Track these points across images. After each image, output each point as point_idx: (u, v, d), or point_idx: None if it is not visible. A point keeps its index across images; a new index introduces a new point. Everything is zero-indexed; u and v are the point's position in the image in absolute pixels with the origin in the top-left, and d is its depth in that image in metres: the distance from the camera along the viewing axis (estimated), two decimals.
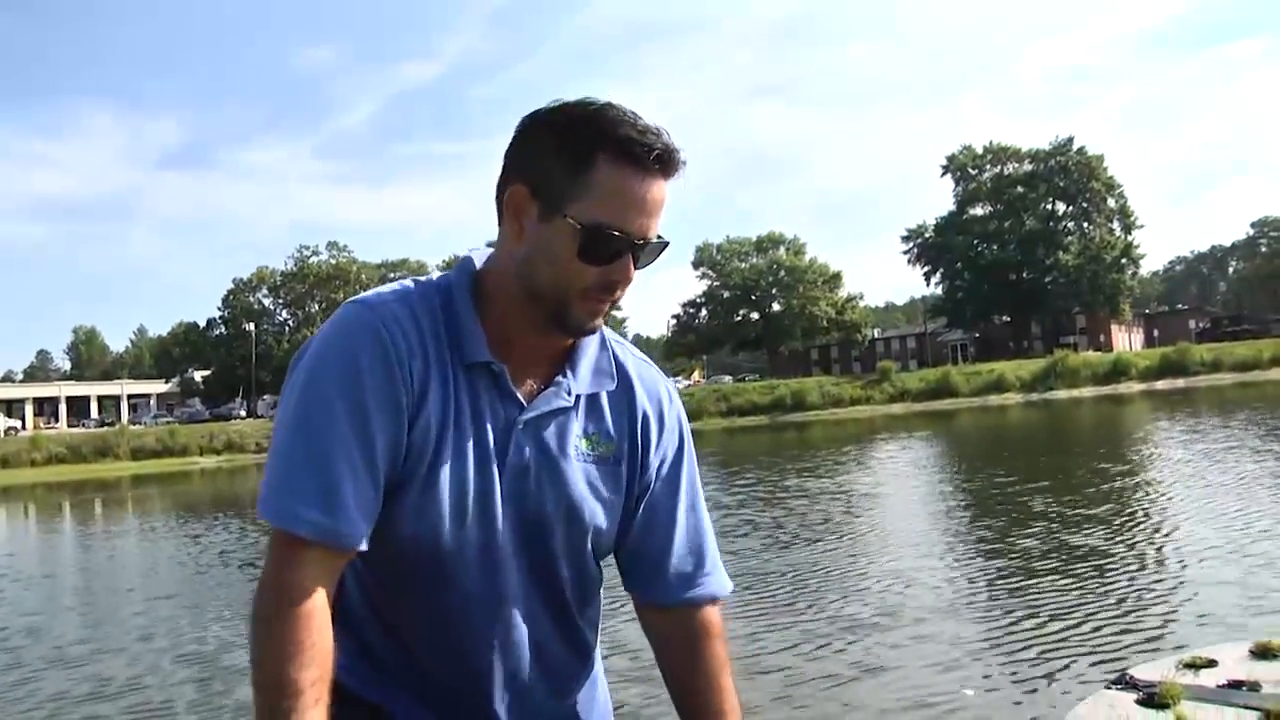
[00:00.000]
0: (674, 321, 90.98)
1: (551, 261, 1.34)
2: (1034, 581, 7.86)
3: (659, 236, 1.38)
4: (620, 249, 1.33)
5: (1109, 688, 4.28)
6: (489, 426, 1.40)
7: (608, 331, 1.53)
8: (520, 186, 1.36)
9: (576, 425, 1.47)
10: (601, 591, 1.59)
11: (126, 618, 9.52)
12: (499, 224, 1.40)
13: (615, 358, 1.53)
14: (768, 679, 5.82)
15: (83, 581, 13.11)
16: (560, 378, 1.45)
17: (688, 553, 1.55)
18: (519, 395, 1.42)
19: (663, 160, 1.32)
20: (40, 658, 7.95)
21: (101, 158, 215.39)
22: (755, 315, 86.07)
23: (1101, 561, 8.39)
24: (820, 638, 6.63)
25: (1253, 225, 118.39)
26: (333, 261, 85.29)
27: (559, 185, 1.32)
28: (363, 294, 1.42)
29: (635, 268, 1.37)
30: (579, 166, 1.31)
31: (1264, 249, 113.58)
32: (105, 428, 63.88)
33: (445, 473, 1.37)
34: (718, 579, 1.58)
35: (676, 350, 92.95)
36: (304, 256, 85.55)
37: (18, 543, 20.24)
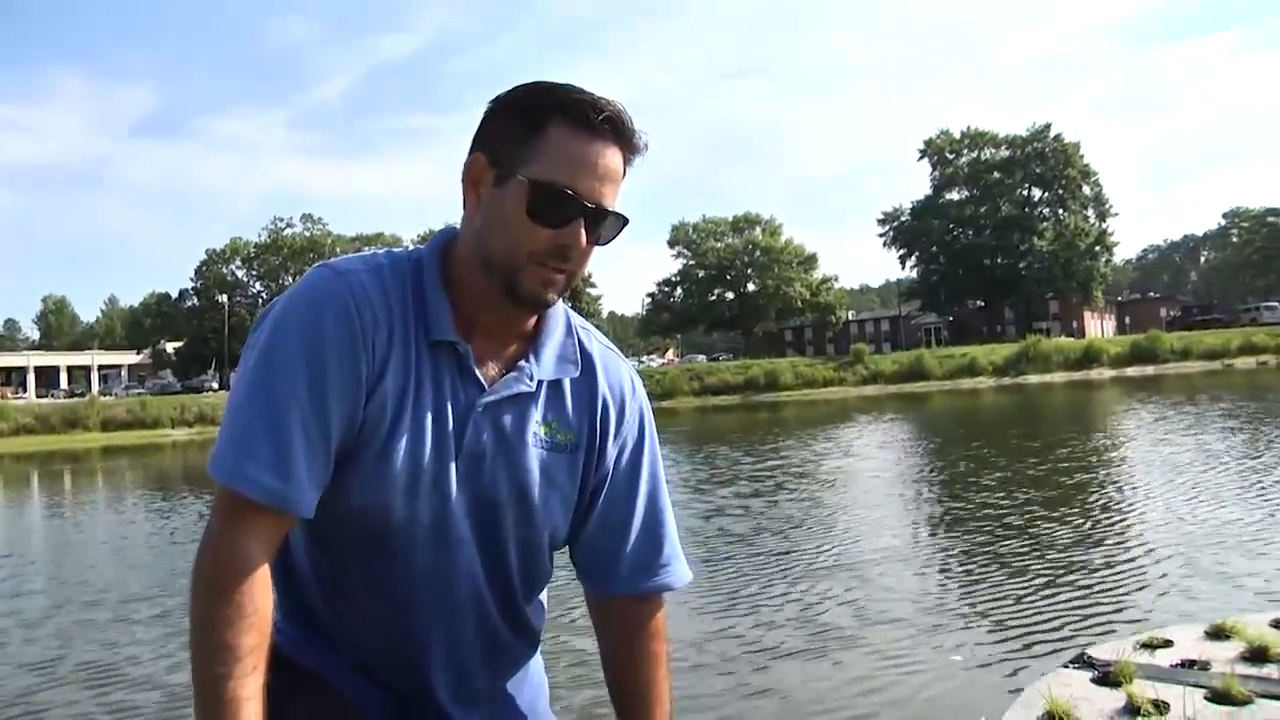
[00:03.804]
0: (649, 300, 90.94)
1: (503, 224, 1.34)
2: (998, 561, 7.94)
3: (619, 214, 1.38)
4: (571, 211, 1.33)
5: (1066, 666, 4.35)
6: (448, 407, 1.40)
7: (575, 318, 1.54)
8: (479, 155, 1.38)
9: (537, 412, 1.46)
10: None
11: (93, 590, 9.47)
12: (463, 200, 1.42)
13: (581, 344, 1.52)
14: (729, 653, 5.87)
15: (50, 554, 13.02)
16: (524, 362, 1.45)
17: (644, 543, 1.56)
18: (481, 377, 1.42)
19: (613, 125, 1.33)
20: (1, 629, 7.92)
21: (72, 124, 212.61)
22: (730, 295, 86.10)
23: (1067, 543, 8.49)
24: (778, 614, 6.68)
25: (1224, 215, 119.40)
26: (307, 234, 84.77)
27: (512, 150, 1.34)
28: (333, 259, 1.42)
29: (590, 238, 1.36)
30: (532, 131, 1.33)
31: (1235, 239, 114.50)
32: (75, 398, 63.23)
33: (400, 449, 1.37)
34: (675, 569, 1.59)
35: (651, 329, 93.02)
36: (278, 229, 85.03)
37: None
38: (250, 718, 1.20)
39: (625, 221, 1.41)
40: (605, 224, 1.38)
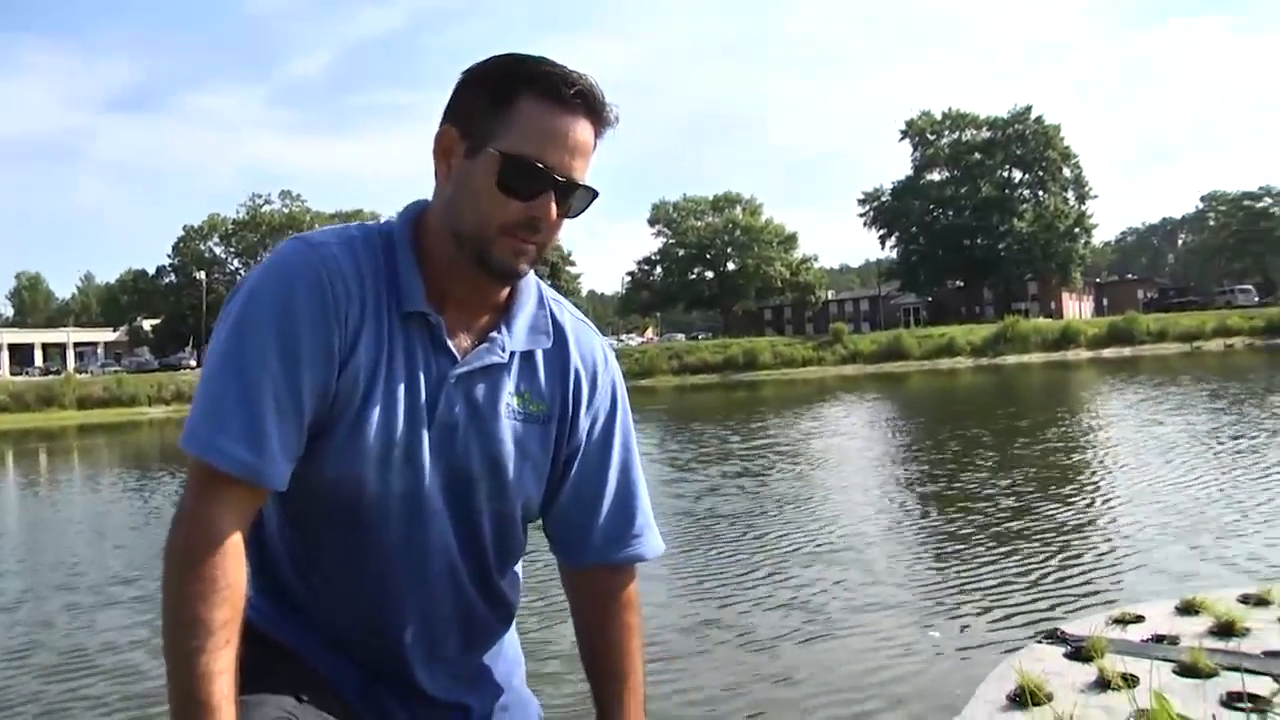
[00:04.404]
0: (628, 278, 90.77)
1: (474, 196, 1.35)
2: (977, 540, 8.00)
3: (589, 187, 1.39)
4: (541, 184, 1.33)
5: (1039, 642, 4.40)
6: (421, 378, 1.40)
7: (547, 290, 1.55)
8: (449, 127, 1.38)
9: (509, 383, 1.47)
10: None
11: (70, 568, 9.43)
12: (435, 172, 1.41)
13: (553, 316, 1.53)
14: (710, 633, 5.91)
15: (27, 533, 12.95)
16: (496, 334, 1.45)
17: (617, 514, 1.57)
18: (453, 348, 1.42)
19: (584, 98, 1.33)
20: None
21: (46, 98, 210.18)
22: (710, 274, 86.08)
23: (1043, 520, 8.56)
24: (759, 592, 6.72)
25: (1202, 199, 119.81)
26: (286, 211, 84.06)
27: (483, 123, 1.34)
28: (307, 232, 1.42)
29: (561, 211, 1.37)
30: (502, 103, 1.33)
31: (1212, 223, 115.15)
32: (50, 376, 62.75)
33: (373, 420, 1.37)
34: (648, 540, 1.60)
35: (630, 307, 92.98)
36: (256, 205, 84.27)
37: None
38: (223, 692, 1.19)
39: (595, 194, 1.41)
40: (575, 197, 1.38)
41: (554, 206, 1.35)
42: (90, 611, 7.32)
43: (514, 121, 1.33)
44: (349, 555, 1.44)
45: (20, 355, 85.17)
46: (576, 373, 1.53)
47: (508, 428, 1.46)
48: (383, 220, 1.49)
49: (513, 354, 1.47)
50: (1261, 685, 3.37)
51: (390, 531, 1.42)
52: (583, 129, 1.35)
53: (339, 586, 1.46)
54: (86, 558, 9.81)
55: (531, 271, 1.48)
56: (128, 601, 7.55)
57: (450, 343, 1.42)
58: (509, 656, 1.66)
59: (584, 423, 1.54)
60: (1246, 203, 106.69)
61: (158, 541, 1.17)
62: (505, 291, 1.48)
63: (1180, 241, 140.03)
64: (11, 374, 72.71)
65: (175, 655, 1.21)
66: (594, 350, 1.57)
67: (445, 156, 1.39)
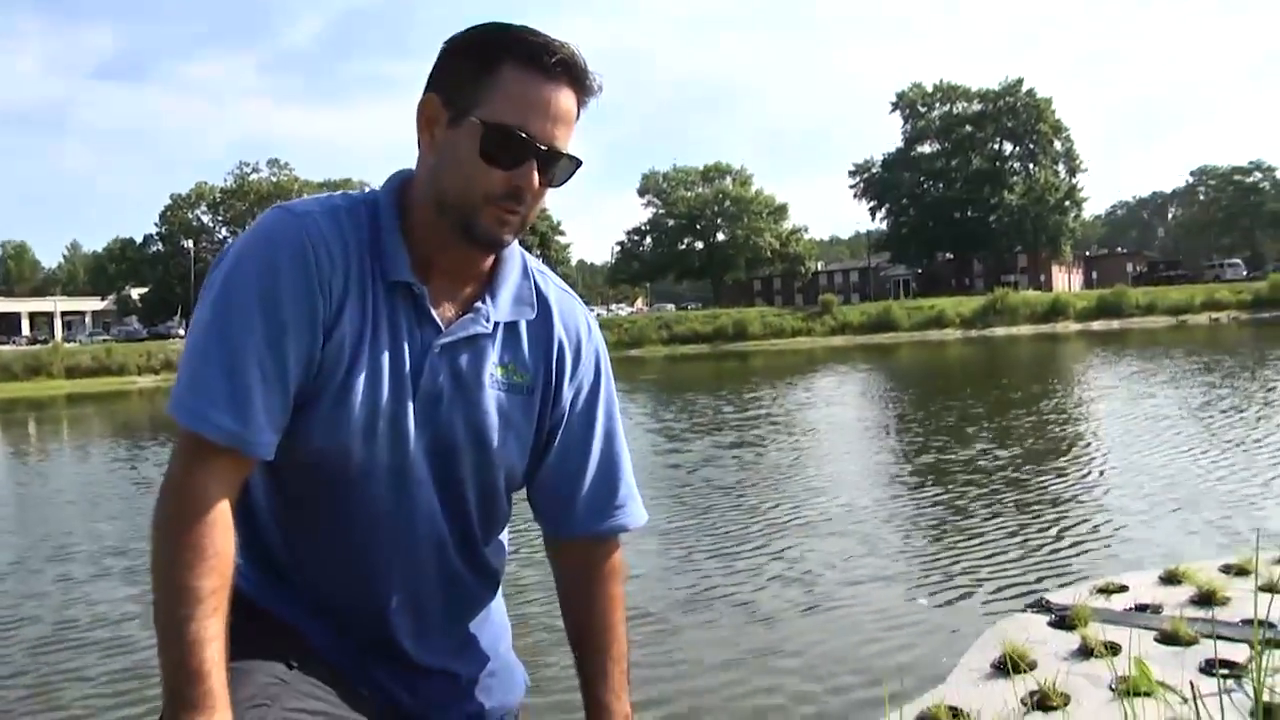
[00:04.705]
0: (618, 248, 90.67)
1: (457, 165, 1.35)
2: (965, 508, 8.06)
3: (572, 156, 1.38)
4: (523, 153, 1.33)
5: (1025, 611, 4.46)
6: (405, 348, 1.40)
7: (532, 260, 1.54)
8: (432, 96, 1.37)
9: (493, 353, 1.47)
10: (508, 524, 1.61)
11: (61, 539, 9.43)
12: (418, 141, 1.41)
13: (537, 287, 1.52)
14: (693, 595, 5.96)
15: (17, 503, 12.95)
16: (480, 304, 1.45)
17: (601, 484, 1.57)
18: (437, 319, 1.42)
19: (566, 67, 1.33)
20: None
21: (31, 66, 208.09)
22: (700, 244, 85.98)
23: (1031, 491, 8.63)
24: (752, 562, 6.77)
25: (1192, 174, 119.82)
26: (274, 179, 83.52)
27: (466, 91, 1.34)
28: (291, 201, 1.41)
29: (544, 180, 1.37)
30: (485, 72, 1.32)
31: (1202, 197, 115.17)
32: (38, 345, 62.45)
33: (357, 390, 1.37)
34: (631, 510, 1.60)
35: (620, 277, 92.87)
36: (244, 174, 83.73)
37: None
38: (213, 659, 1.20)
39: (579, 164, 1.41)
40: (558, 166, 1.38)
41: (536, 175, 1.35)
42: (82, 583, 7.33)
43: (496, 90, 1.32)
44: (335, 524, 1.44)
45: (7, 324, 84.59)
46: (560, 343, 1.53)
47: (491, 398, 1.46)
48: (368, 189, 1.48)
49: (497, 324, 1.47)
50: (1239, 652, 3.41)
51: (376, 501, 1.42)
52: (565, 97, 1.35)
53: (326, 555, 1.47)
54: (78, 529, 9.79)
55: (516, 242, 1.48)
56: (119, 572, 7.56)
57: (434, 313, 1.41)
58: (495, 623, 1.67)
59: (567, 393, 1.54)
60: (1236, 178, 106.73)
61: (148, 511, 1.17)
62: (489, 262, 1.47)
63: (1170, 216, 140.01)
64: None
65: (165, 624, 1.22)
66: (577, 321, 1.57)
67: (428, 126, 1.38)
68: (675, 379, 32.31)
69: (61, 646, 5.75)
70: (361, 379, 1.37)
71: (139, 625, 5.92)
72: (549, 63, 1.32)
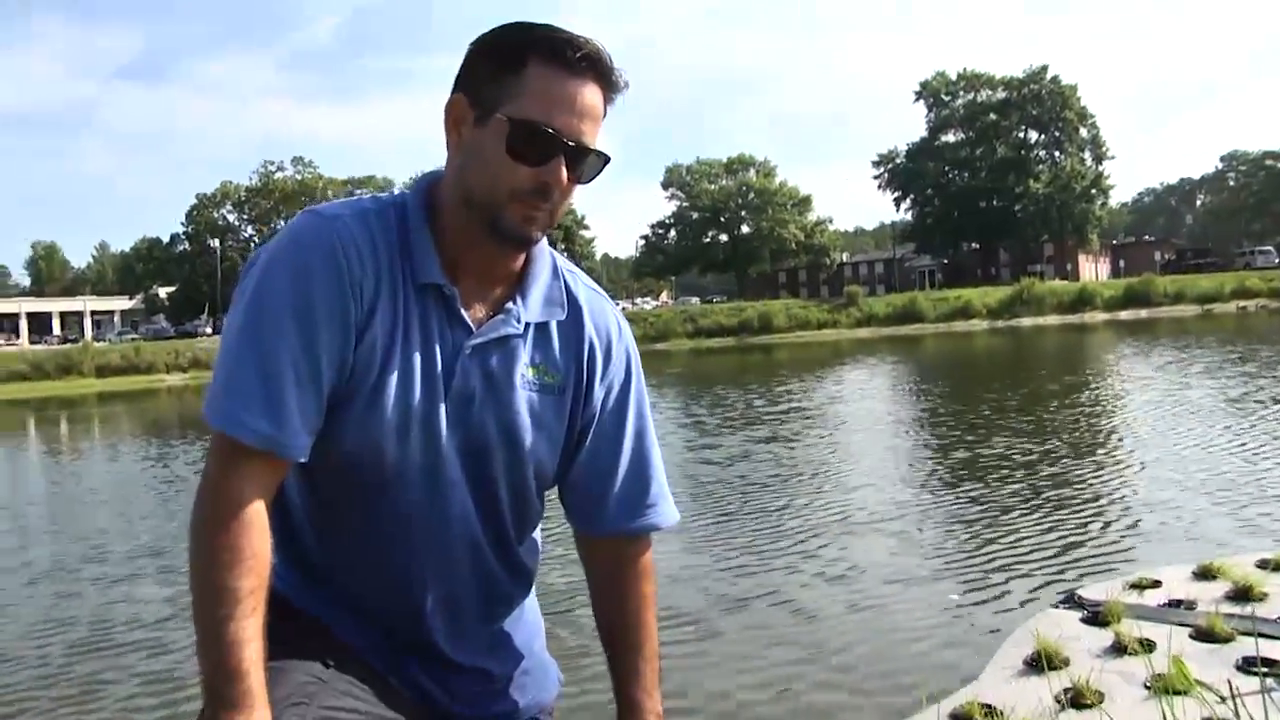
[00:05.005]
0: (642, 242, 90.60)
1: (484, 163, 1.35)
2: (995, 502, 8.02)
3: (600, 152, 1.39)
4: (550, 148, 1.33)
5: (1057, 607, 4.41)
6: (436, 349, 1.41)
7: (561, 261, 1.55)
8: (459, 95, 1.38)
9: (524, 354, 1.47)
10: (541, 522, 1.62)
11: (96, 538, 9.53)
12: (446, 142, 1.42)
13: (567, 287, 1.53)
14: (726, 593, 5.96)
15: (52, 502, 13.09)
16: (510, 305, 1.46)
17: (632, 483, 1.57)
18: (468, 320, 1.42)
19: (591, 62, 1.34)
20: (14, 577, 7.99)
21: (54, 69, 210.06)
22: (724, 237, 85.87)
23: (1062, 484, 8.57)
24: (779, 556, 6.76)
25: (1221, 159, 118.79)
26: (298, 177, 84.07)
27: (492, 90, 1.34)
28: (321, 205, 1.42)
29: (571, 176, 1.37)
30: (510, 71, 1.33)
31: (1232, 183, 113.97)
32: (69, 344, 63.12)
33: (390, 391, 1.38)
34: (663, 509, 1.60)
35: (645, 271, 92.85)
36: (269, 172, 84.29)
37: None
38: (252, 658, 1.21)
39: (607, 159, 1.41)
40: (586, 162, 1.38)
41: (564, 171, 1.35)
42: (118, 583, 7.40)
43: (522, 87, 1.33)
44: (369, 525, 1.45)
45: (38, 324, 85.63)
46: (591, 344, 1.53)
47: (523, 398, 1.47)
48: (395, 188, 1.48)
49: (528, 325, 1.47)
50: (1278, 649, 3.37)
51: (409, 501, 1.43)
52: (591, 93, 1.35)
53: (361, 556, 1.48)
54: (113, 528, 9.89)
55: (545, 242, 1.49)
56: (154, 572, 7.62)
57: (465, 314, 1.42)
58: (529, 622, 1.67)
59: (598, 393, 1.54)
60: (1269, 162, 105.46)
61: (182, 510, 1.18)
62: (519, 262, 1.48)
63: (1199, 202, 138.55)
64: (30, 343, 73.13)
65: (204, 624, 1.23)
66: (608, 321, 1.57)
67: (456, 126, 1.39)
68: (701, 373, 32.29)
69: (99, 647, 5.80)
70: (394, 380, 1.38)
71: (175, 626, 5.95)
72: (574, 58, 1.33)
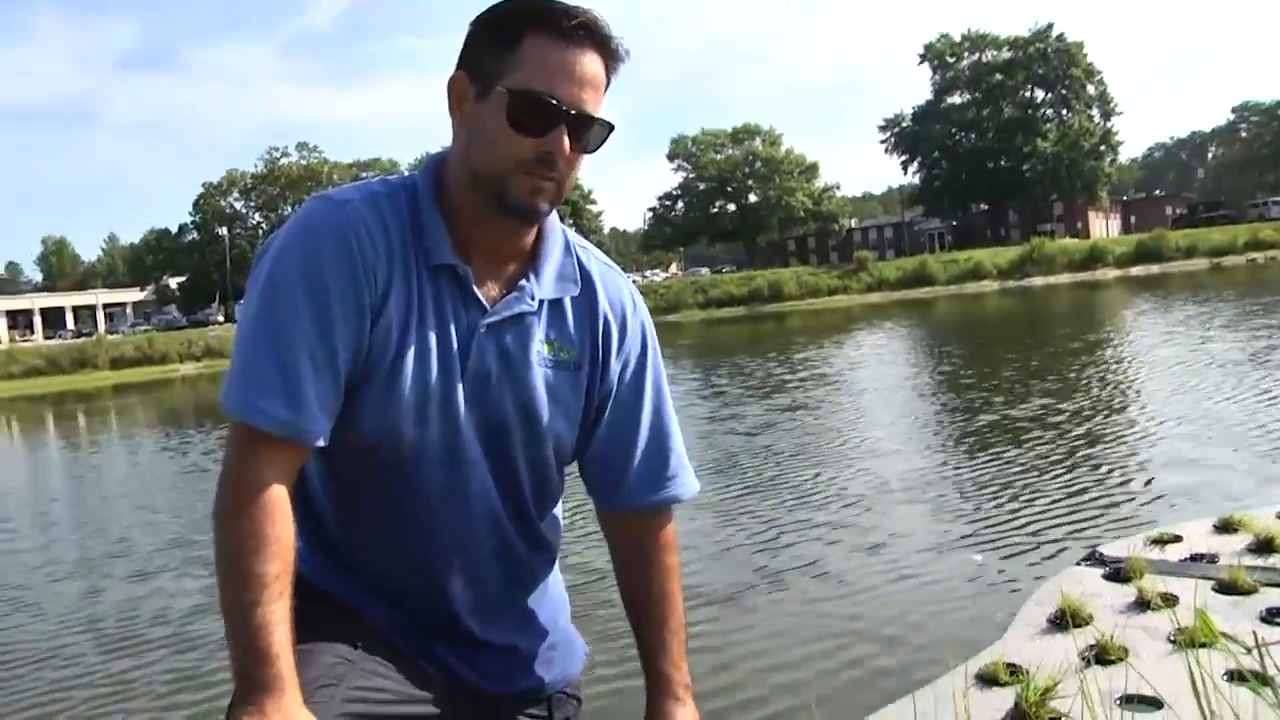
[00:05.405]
0: (650, 214, 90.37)
1: (486, 138, 1.35)
2: (1014, 462, 8.02)
3: (603, 120, 1.38)
4: (551, 117, 1.33)
5: (1079, 564, 4.42)
6: (452, 329, 1.41)
7: (573, 236, 1.54)
8: (460, 73, 1.39)
9: (539, 331, 1.47)
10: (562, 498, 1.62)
11: (119, 531, 9.60)
12: (451, 123, 1.42)
13: (580, 263, 1.52)
14: (746, 557, 5.99)
15: (74, 496, 13.18)
16: (524, 282, 1.45)
17: (651, 457, 1.57)
18: (482, 298, 1.42)
19: (588, 29, 1.33)
20: (42, 570, 8.05)
21: (57, 63, 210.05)
22: (732, 207, 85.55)
23: (1083, 443, 8.57)
24: (798, 520, 6.78)
25: (1233, 110, 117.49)
26: (303, 162, 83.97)
27: (492, 64, 1.34)
28: (330, 190, 1.42)
29: (575, 145, 1.36)
30: (508, 44, 1.33)
31: (1244, 134, 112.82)
32: (82, 338, 63.38)
33: (406, 373, 1.38)
34: (683, 481, 1.60)
35: (653, 243, 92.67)
36: (274, 158, 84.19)
37: (7, 456, 20.26)
38: (281, 641, 1.22)
39: (611, 128, 1.40)
40: (589, 130, 1.37)
41: (566, 140, 1.35)
42: (145, 576, 7.43)
43: (521, 59, 1.33)
44: (391, 506, 1.46)
45: (52, 319, 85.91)
46: (605, 318, 1.53)
47: (539, 375, 1.47)
48: (402, 170, 1.48)
49: (542, 302, 1.47)
50: None
51: (430, 482, 1.44)
52: (590, 61, 1.35)
53: (383, 537, 1.48)
54: (135, 521, 9.95)
55: (556, 218, 1.49)
56: (180, 563, 7.66)
57: (479, 292, 1.42)
58: (554, 596, 1.68)
59: (615, 368, 1.54)
60: None
61: (204, 499, 1.20)
62: (531, 239, 1.48)
63: (1210, 155, 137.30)
64: (45, 338, 73.45)
65: (232, 610, 1.24)
66: (622, 295, 1.57)
67: (459, 104, 1.39)
68: (714, 343, 32.26)
69: (128, 642, 5.84)
70: (410, 362, 1.38)
71: (203, 615, 6.00)
72: (570, 27, 1.32)
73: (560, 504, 1.64)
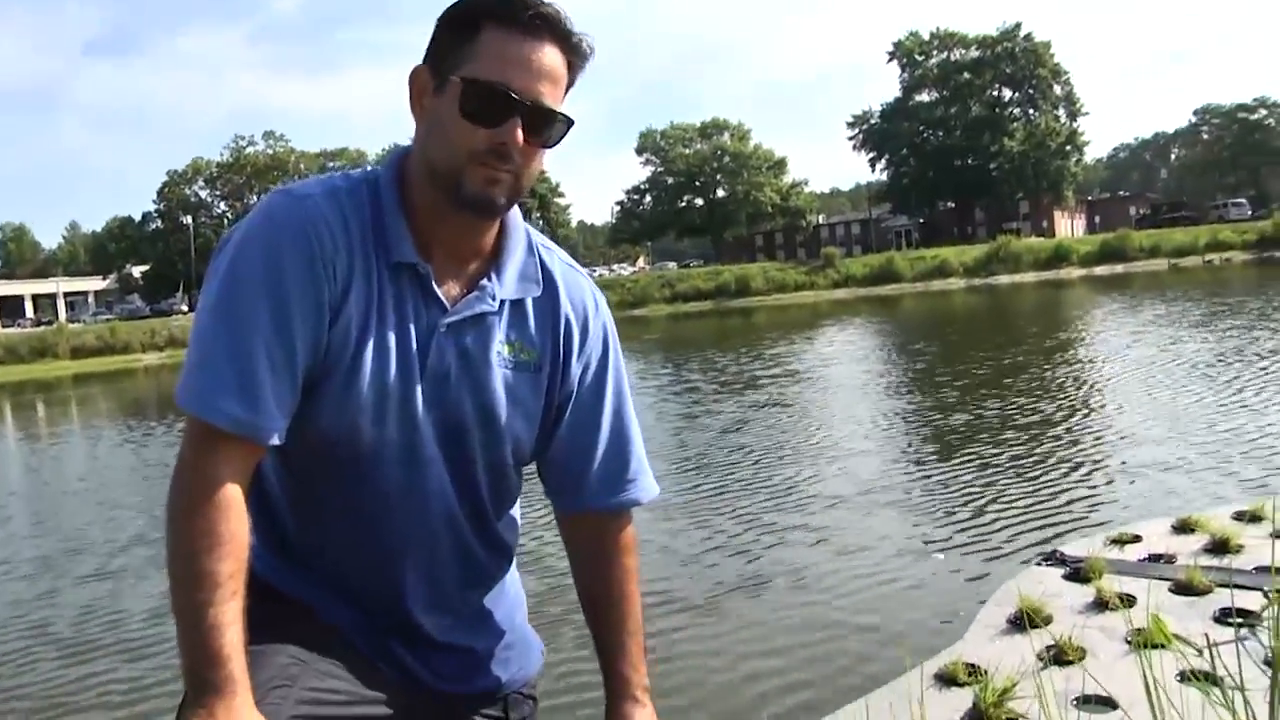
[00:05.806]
0: (618, 208, 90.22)
1: (442, 129, 1.34)
2: (980, 461, 8.08)
3: (560, 114, 1.37)
4: (504, 108, 1.32)
5: (1039, 564, 4.46)
6: (411, 328, 1.40)
7: (537, 236, 1.53)
8: (422, 66, 1.38)
9: (499, 331, 1.46)
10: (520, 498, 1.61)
11: (78, 526, 9.49)
12: (413, 116, 1.41)
13: (542, 263, 1.52)
14: (704, 557, 5.99)
15: (32, 490, 13.00)
16: (485, 281, 1.44)
17: (611, 460, 1.57)
18: (443, 298, 1.41)
19: (547, 21, 1.32)
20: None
21: (19, 46, 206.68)
22: (700, 201, 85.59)
23: (1042, 442, 8.64)
24: (755, 517, 6.80)
25: (1195, 113, 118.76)
26: (270, 152, 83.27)
27: (450, 57, 1.34)
28: (291, 184, 1.41)
29: (530, 138, 1.35)
30: (467, 36, 1.33)
31: (1205, 136, 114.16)
32: (42, 327, 62.50)
33: (365, 371, 1.37)
34: (643, 484, 1.60)
35: (621, 237, 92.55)
36: (240, 147, 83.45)
37: None
38: (233, 642, 1.21)
39: (570, 123, 1.39)
40: (548, 124, 1.36)
41: (519, 132, 1.33)
42: (103, 576, 7.35)
43: (478, 51, 1.32)
44: (348, 505, 1.44)
45: (10, 307, 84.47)
46: (567, 320, 1.52)
47: (499, 376, 1.46)
48: (369, 161, 1.47)
49: (503, 302, 1.46)
50: (1253, 600, 3.42)
51: (387, 481, 1.43)
52: (549, 54, 1.34)
53: (340, 536, 1.47)
54: (95, 517, 9.83)
55: (519, 218, 1.48)
56: (139, 565, 7.54)
57: (439, 291, 1.41)
58: (510, 596, 1.67)
59: (576, 370, 1.54)
60: (1241, 115, 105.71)
61: (164, 496, 1.18)
62: (493, 238, 1.46)
63: (1173, 157, 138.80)
64: (3, 327, 72.34)
65: (184, 610, 1.22)
66: (584, 297, 1.56)
67: (419, 97, 1.39)
68: (681, 338, 32.31)
69: (83, 644, 5.78)
70: (369, 360, 1.37)
71: (161, 620, 5.90)
72: (528, 18, 1.32)
73: (518, 504, 1.64)
